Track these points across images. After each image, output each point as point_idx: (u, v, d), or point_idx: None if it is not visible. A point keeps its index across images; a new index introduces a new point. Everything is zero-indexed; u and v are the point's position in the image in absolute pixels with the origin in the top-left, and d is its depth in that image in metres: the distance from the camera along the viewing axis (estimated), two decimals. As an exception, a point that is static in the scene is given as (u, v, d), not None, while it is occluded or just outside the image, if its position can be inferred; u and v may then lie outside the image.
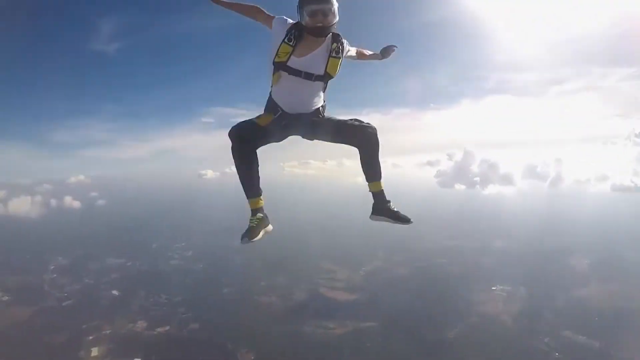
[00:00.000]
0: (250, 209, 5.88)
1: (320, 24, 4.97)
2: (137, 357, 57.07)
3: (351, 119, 5.84)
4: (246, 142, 5.48)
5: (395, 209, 6.17)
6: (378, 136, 5.79)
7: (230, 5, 5.59)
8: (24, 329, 63.81)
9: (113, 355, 58.35)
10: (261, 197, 5.95)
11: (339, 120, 5.90)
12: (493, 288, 73.28)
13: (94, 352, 58.82)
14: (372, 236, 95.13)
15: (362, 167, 6.03)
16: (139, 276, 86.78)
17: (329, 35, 5.23)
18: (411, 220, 6.11)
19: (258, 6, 5.52)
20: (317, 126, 5.84)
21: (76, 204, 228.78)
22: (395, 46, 6.18)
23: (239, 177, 5.76)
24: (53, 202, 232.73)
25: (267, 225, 5.92)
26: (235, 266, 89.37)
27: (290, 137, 6.13)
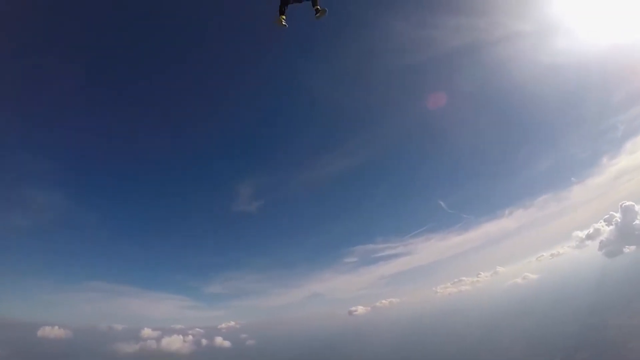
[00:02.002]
0: (279, 15, 14.06)
1: None
2: None
3: None
4: None
5: (321, 8, 14.56)
6: None
7: None
8: None
9: None
10: (284, 15, 14.26)
11: None
12: None
13: None
14: (546, 339, 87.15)
15: (312, 3, 14.54)
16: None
17: None
18: (326, 10, 14.53)
19: None
20: None
21: (226, 343, 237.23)
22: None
23: (280, 6, 14.20)
24: (204, 341, 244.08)
25: (284, 24, 14.31)
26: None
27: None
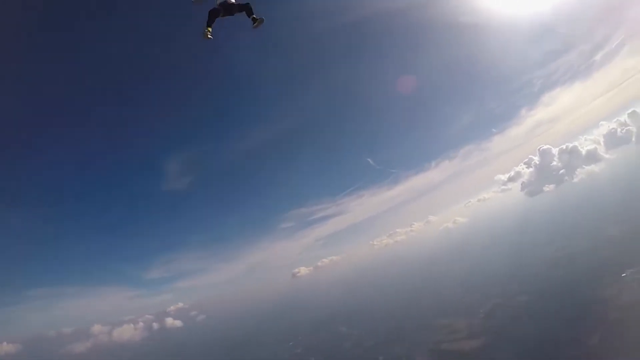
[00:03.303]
0: (207, 28, 13.55)
1: None
2: None
3: (244, 3, 14.17)
4: (216, 13, 13.66)
5: (257, 18, 14.27)
6: (250, 5, 14.14)
7: (201, 1, 14.60)
8: None
9: None
10: (211, 27, 13.69)
11: (239, 3, 14.16)
12: (623, 275, 62.48)
13: None
14: (480, 277, 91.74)
15: (247, 14, 14.20)
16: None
17: None
18: (263, 19, 14.30)
19: None
20: (233, 8, 14.02)
21: (178, 323, 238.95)
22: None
23: (207, 21, 13.61)
24: (155, 325, 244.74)
25: (211, 35, 13.79)
26: (346, 351, 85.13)
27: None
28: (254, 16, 14.42)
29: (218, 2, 14.24)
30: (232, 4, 14.39)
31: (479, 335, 67.70)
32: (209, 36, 13.93)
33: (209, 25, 13.80)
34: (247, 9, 14.44)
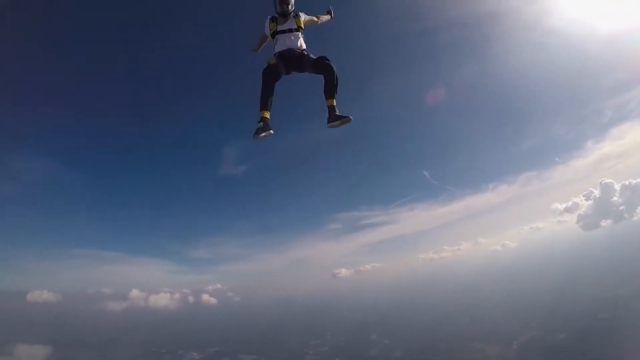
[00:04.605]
0: (260, 116, 8.14)
1: (284, 10, 8.93)
2: None
3: (321, 57, 8.61)
4: (270, 75, 8.36)
5: (339, 114, 8.30)
6: (335, 71, 8.36)
7: (259, 46, 10.18)
8: None
9: None
10: (268, 111, 8.25)
11: (315, 58, 8.67)
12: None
13: None
14: (521, 305, 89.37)
15: (324, 89, 8.44)
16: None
17: (291, 14, 9.07)
18: (350, 118, 8.24)
19: (263, 33, 9.59)
20: (303, 61, 8.75)
21: (213, 300, 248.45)
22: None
23: (261, 96, 8.28)
24: (191, 299, 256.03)
25: (269, 129, 8.10)
26: (373, 358, 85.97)
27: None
28: (334, 104, 8.40)
29: (277, 49, 9.03)
30: (304, 55, 8.91)
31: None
32: (266, 132, 8.08)
33: (264, 108, 8.24)
34: (328, 82, 8.45)
